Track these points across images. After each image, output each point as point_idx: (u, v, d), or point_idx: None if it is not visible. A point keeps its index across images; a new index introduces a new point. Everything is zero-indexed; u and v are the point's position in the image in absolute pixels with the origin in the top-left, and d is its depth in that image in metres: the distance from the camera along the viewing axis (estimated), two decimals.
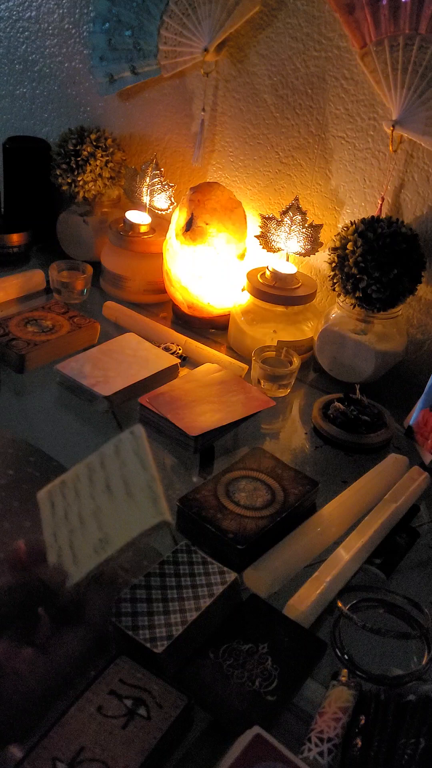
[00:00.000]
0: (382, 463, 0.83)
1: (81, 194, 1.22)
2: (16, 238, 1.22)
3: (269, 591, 0.65)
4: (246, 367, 0.99)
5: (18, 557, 0.51)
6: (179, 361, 0.97)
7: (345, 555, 0.68)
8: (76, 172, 1.19)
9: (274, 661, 0.56)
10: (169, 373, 0.95)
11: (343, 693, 0.54)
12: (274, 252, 1.07)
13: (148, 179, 1.16)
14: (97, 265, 1.18)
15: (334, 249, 0.96)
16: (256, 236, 1.07)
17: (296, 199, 1.02)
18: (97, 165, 1.20)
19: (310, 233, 1.02)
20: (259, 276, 1.06)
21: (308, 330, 1.05)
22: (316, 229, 1.02)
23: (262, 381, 0.95)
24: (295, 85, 1.05)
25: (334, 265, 0.96)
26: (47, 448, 0.76)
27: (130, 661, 0.54)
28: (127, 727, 0.50)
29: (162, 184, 1.15)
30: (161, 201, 1.16)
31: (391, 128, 0.94)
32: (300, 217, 1.02)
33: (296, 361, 0.96)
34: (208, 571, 0.62)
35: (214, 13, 1.06)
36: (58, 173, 1.21)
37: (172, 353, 0.99)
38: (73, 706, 0.51)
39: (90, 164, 1.19)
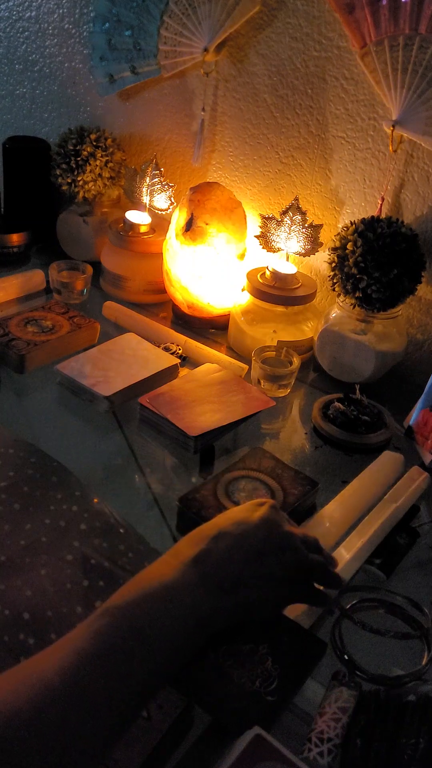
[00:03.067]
0: (376, 461, 0.83)
1: (81, 194, 1.22)
2: (16, 238, 1.22)
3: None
4: (246, 367, 0.99)
5: None
6: (179, 361, 0.98)
7: (345, 555, 0.68)
8: (76, 172, 1.19)
9: (274, 661, 0.56)
10: (169, 373, 0.95)
11: (343, 693, 0.54)
12: (274, 252, 1.07)
13: (148, 179, 1.16)
14: (97, 265, 1.18)
15: (334, 249, 0.96)
16: (256, 236, 1.07)
17: (296, 199, 1.02)
18: (97, 165, 1.20)
19: (310, 233, 1.02)
20: (259, 276, 1.06)
21: (308, 330, 1.05)
22: (316, 229, 1.02)
23: (262, 381, 0.95)
24: (295, 85, 1.05)
25: (334, 265, 0.96)
26: (47, 449, 0.76)
27: None
28: None
29: (162, 184, 1.15)
30: (161, 201, 1.16)
31: (391, 128, 0.94)
32: (300, 217, 1.02)
33: (296, 361, 0.96)
34: None
35: (214, 13, 1.06)
36: (58, 173, 1.21)
37: (172, 353, 0.99)
38: None
39: (90, 164, 1.19)
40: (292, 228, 1.03)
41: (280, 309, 1.04)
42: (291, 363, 0.96)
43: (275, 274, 1.04)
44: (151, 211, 1.18)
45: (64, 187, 1.22)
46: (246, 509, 0.59)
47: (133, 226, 1.16)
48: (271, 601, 0.56)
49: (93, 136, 1.20)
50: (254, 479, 0.76)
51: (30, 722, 0.41)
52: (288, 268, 1.05)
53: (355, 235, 0.93)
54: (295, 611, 0.62)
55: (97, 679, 0.44)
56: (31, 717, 0.41)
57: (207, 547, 0.54)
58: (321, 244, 1.03)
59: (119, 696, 0.44)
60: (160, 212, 1.17)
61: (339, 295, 0.98)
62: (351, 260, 0.92)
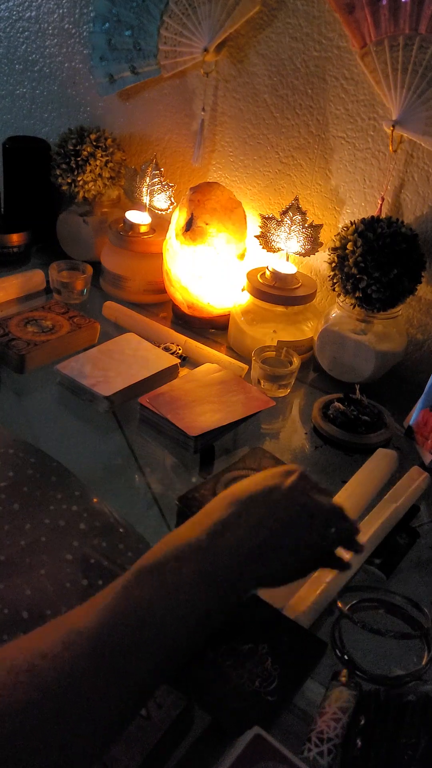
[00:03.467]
0: (371, 459, 0.83)
1: (81, 194, 1.22)
2: (16, 238, 1.22)
3: (285, 602, 0.64)
4: (246, 367, 0.99)
5: None
6: (179, 361, 0.97)
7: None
8: (76, 172, 1.19)
9: (274, 661, 0.56)
10: (169, 373, 0.95)
11: (343, 693, 0.54)
12: (274, 252, 1.07)
13: (148, 179, 1.16)
14: (97, 265, 1.18)
15: (334, 249, 0.96)
16: (256, 236, 1.07)
17: (296, 199, 1.02)
18: (97, 165, 1.20)
19: (310, 233, 1.02)
20: (259, 276, 1.06)
21: (308, 330, 1.05)
22: (316, 229, 1.02)
23: (262, 381, 0.95)
24: (295, 85, 1.05)
25: (334, 265, 0.96)
26: (47, 449, 0.76)
27: None
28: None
29: (162, 184, 1.15)
30: (161, 201, 1.16)
31: (391, 128, 0.94)
32: (300, 217, 1.02)
33: (296, 361, 0.96)
34: None
35: (214, 13, 1.06)
36: (58, 173, 1.21)
37: (172, 353, 0.99)
38: None
39: (90, 164, 1.19)
40: (292, 228, 1.03)
41: (280, 309, 1.04)
42: (291, 363, 0.96)
43: (275, 274, 1.04)
44: (151, 211, 1.18)
45: (64, 187, 1.22)
46: (276, 475, 0.59)
47: (133, 226, 1.16)
48: (296, 568, 0.57)
49: (93, 136, 1.20)
50: None
51: (64, 669, 0.43)
52: (288, 268, 1.05)
53: (355, 235, 0.93)
54: (295, 611, 0.62)
55: (127, 626, 0.46)
56: (65, 666, 0.43)
57: (237, 511, 0.54)
58: (321, 244, 1.03)
59: (151, 639, 0.46)
60: (160, 212, 1.17)
61: (339, 295, 0.98)
62: (351, 260, 0.92)
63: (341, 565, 0.62)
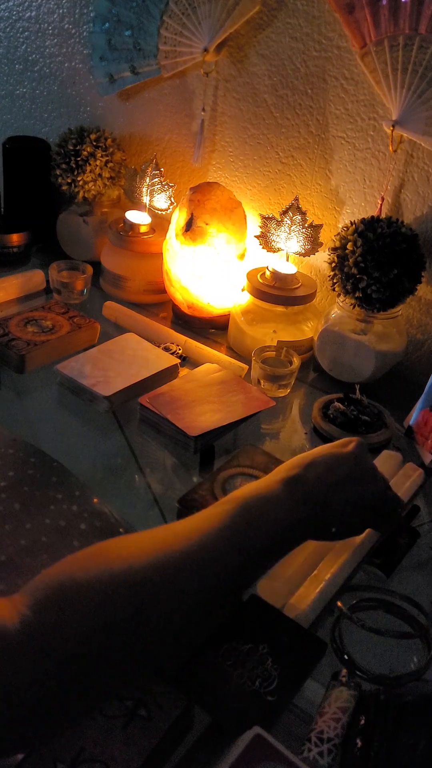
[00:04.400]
0: (375, 461, 0.83)
1: (81, 194, 1.22)
2: (16, 238, 1.22)
3: (286, 601, 0.64)
4: (246, 367, 0.99)
5: None
6: (179, 361, 0.98)
7: (344, 554, 0.68)
8: (76, 172, 1.19)
9: (274, 661, 0.56)
10: (169, 373, 0.95)
11: (343, 693, 0.54)
12: (274, 252, 1.07)
13: (148, 179, 1.16)
14: (97, 265, 1.18)
15: (334, 249, 0.96)
16: (256, 236, 1.07)
17: (296, 199, 1.02)
18: (97, 165, 1.20)
19: (310, 233, 1.02)
20: (259, 276, 1.06)
21: (308, 330, 1.05)
22: (316, 229, 1.02)
23: (262, 381, 0.95)
24: (295, 85, 1.05)
25: (334, 265, 0.96)
26: (48, 449, 0.76)
27: None
28: (128, 727, 0.50)
29: (162, 184, 1.15)
30: (161, 201, 1.16)
31: (391, 128, 0.94)
32: (300, 217, 1.02)
33: (296, 361, 0.96)
34: None
35: (214, 13, 1.06)
36: (58, 173, 1.21)
37: (172, 353, 0.99)
38: None
39: (90, 164, 1.19)
40: (292, 228, 1.03)
41: (280, 309, 1.04)
42: (291, 363, 0.96)
43: (275, 274, 1.04)
44: (151, 211, 1.18)
45: (64, 187, 1.22)
46: (337, 445, 0.66)
47: (133, 226, 1.16)
48: (349, 523, 0.62)
49: (93, 136, 1.20)
50: (249, 475, 0.76)
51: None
52: (288, 268, 1.05)
53: (355, 235, 0.93)
54: (295, 611, 0.62)
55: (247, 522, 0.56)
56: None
57: (301, 472, 0.61)
58: (321, 244, 1.03)
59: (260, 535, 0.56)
60: (160, 212, 1.17)
61: (339, 295, 0.98)
62: (351, 260, 0.92)
63: (389, 529, 0.68)
